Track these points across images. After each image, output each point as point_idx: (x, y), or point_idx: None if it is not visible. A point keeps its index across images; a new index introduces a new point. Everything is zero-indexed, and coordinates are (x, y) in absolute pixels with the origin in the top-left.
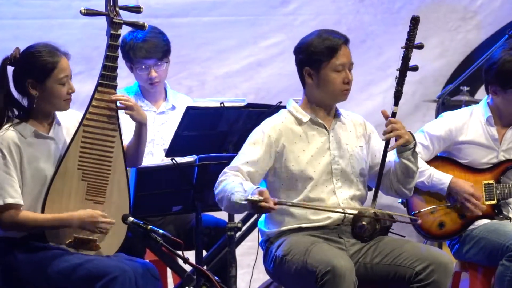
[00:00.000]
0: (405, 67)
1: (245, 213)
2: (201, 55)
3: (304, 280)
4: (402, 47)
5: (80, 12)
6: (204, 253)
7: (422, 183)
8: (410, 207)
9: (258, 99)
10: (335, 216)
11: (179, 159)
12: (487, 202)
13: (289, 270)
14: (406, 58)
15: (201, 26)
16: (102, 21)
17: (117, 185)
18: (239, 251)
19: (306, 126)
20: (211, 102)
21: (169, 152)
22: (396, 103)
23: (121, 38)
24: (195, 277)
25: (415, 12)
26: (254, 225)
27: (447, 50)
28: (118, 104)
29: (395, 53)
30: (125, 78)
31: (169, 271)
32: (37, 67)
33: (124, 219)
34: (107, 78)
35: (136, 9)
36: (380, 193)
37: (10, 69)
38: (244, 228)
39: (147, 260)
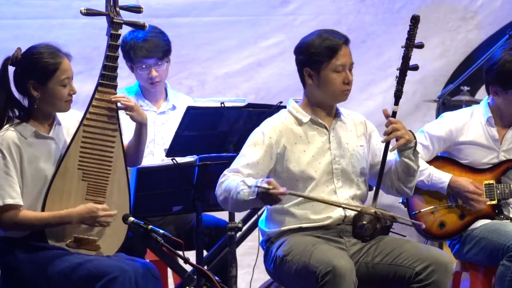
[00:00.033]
0: (406, 67)
1: (246, 213)
2: (202, 55)
3: (305, 280)
4: (402, 46)
5: (80, 12)
6: (205, 253)
7: (422, 182)
8: (410, 207)
9: (258, 99)
10: (335, 216)
11: (180, 159)
12: (488, 202)
13: (290, 270)
14: (406, 57)
15: (202, 26)
16: (102, 21)
17: (117, 185)
18: (240, 251)
19: (306, 126)
20: (212, 102)
21: (170, 152)
22: (396, 103)
23: (121, 37)
24: (195, 277)
25: (416, 12)
26: (254, 225)
27: (447, 50)
28: (119, 104)
29: (395, 53)
30: (126, 78)
31: (169, 271)
32: (39, 69)
33: (125, 219)
34: (107, 78)
35: (137, 9)
36: (380, 192)
37: (11, 69)
38: (244, 228)
39: (148, 260)
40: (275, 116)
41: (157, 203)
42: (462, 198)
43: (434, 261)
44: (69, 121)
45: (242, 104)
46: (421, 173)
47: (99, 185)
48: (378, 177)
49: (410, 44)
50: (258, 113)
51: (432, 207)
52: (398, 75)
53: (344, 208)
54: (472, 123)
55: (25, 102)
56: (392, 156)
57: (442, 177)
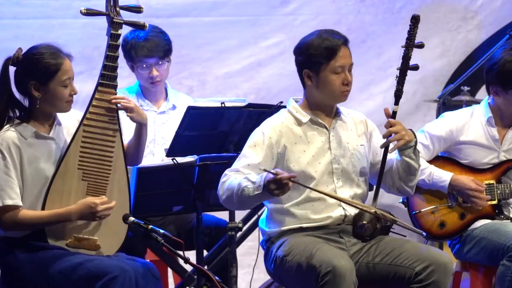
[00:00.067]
0: (406, 66)
1: (246, 213)
2: (202, 55)
3: (305, 280)
4: (402, 46)
5: (81, 12)
6: (205, 253)
7: (423, 181)
8: (411, 207)
9: (258, 99)
10: (335, 215)
11: (180, 159)
12: (488, 202)
13: (290, 270)
14: (406, 57)
15: (202, 26)
16: (102, 21)
17: (117, 185)
18: (240, 251)
19: (306, 126)
20: (212, 102)
21: (170, 152)
22: (396, 102)
23: (122, 37)
24: (195, 277)
25: (416, 12)
26: (254, 225)
27: (447, 50)
28: (118, 105)
29: (395, 53)
30: (126, 78)
31: (169, 271)
32: (40, 69)
33: (125, 219)
34: (108, 78)
35: (137, 9)
36: (380, 192)
37: (11, 69)
38: (245, 228)
39: (148, 260)
40: (275, 116)
41: (158, 203)
42: (464, 196)
43: (434, 261)
44: (69, 120)
45: (243, 104)
46: (422, 172)
47: (99, 184)
48: (378, 177)
49: (410, 44)
50: (258, 113)
51: (433, 207)
52: (398, 75)
53: (348, 203)
54: (472, 123)
55: (26, 102)
56: (393, 155)
57: (443, 176)
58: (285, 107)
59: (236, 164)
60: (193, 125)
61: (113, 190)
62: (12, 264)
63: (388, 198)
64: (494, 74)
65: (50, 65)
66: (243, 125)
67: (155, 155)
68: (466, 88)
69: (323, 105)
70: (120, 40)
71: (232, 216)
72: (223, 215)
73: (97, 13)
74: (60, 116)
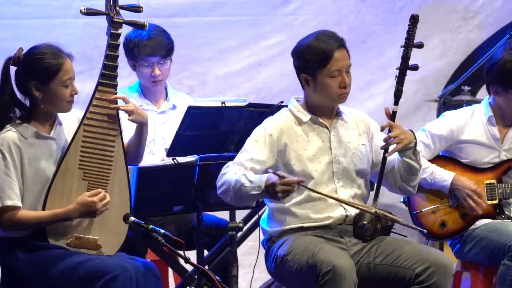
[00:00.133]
0: (405, 66)
1: (247, 212)
2: (202, 55)
3: (305, 280)
4: (401, 46)
5: (81, 11)
6: (206, 252)
7: (425, 180)
8: (412, 207)
9: (259, 99)
10: (336, 215)
11: (181, 159)
12: (489, 202)
13: (290, 269)
14: (405, 57)
15: (202, 26)
16: (102, 21)
17: (118, 184)
18: (240, 250)
19: (307, 126)
20: (213, 101)
21: (170, 152)
22: (396, 102)
23: (124, 36)
24: (196, 276)
25: (416, 12)
26: (255, 225)
27: (448, 50)
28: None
29: (396, 53)
30: (126, 78)
31: (170, 271)
32: (41, 69)
33: (125, 219)
34: (108, 77)
35: (137, 9)
36: (381, 192)
37: (12, 68)
38: (245, 228)
39: (149, 260)
40: (277, 114)
41: (158, 203)
42: (461, 196)
43: (434, 262)
44: (70, 120)
45: (243, 104)
46: (424, 171)
47: (99, 184)
48: (378, 179)
49: (409, 43)
50: (259, 112)
51: (434, 206)
52: (397, 75)
53: (351, 205)
54: (473, 122)
55: (27, 102)
56: (395, 155)
57: (445, 175)
58: (285, 106)
59: (238, 158)
60: (193, 125)
61: (114, 190)
62: (12, 264)
63: (389, 198)
64: (495, 73)
65: (51, 65)
66: (244, 125)
67: (155, 154)
68: (466, 88)
69: (322, 106)
70: (120, 40)
71: (232, 216)
72: (224, 215)
73: (97, 13)
74: (60, 115)
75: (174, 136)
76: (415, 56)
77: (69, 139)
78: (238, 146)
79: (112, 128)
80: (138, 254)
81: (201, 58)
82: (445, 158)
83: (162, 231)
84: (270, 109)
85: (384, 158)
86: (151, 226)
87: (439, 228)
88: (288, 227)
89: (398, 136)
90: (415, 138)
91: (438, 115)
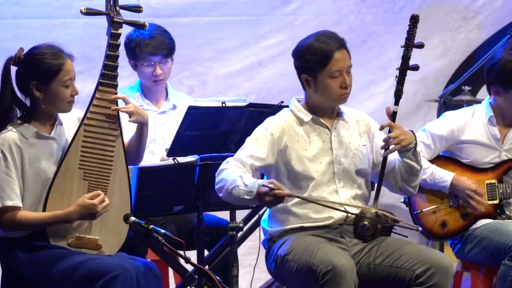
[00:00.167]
0: (405, 66)
1: (247, 212)
2: (202, 55)
3: (305, 280)
4: (401, 46)
5: (81, 11)
6: (206, 252)
7: (425, 181)
8: (412, 207)
9: (259, 99)
10: (337, 216)
11: (181, 159)
12: (490, 202)
13: (291, 269)
14: (406, 57)
15: (202, 26)
16: (103, 21)
17: (118, 184)
18: (241, 250)
19: (308, 126)
20: (213, 101)
21: (171, 152)
22: (396, 103)
23: (126, 35)
24: (196, 276)
25: (416, 12)
26: (255, 225)
27: (448, 50)
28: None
29: (396, 52)
30: (127, 78)
31: (170, 270)
32: (42, 70)
33: (126, 218)
34: (108, 77)
35: (136, 9)
36: (382, 192)
37: (13, 68)
38: (245, 227)
39: (149, 260)
40: (279, 114)
41: (158, 203)
42: (463, 196)
43: (435, 264)
44: (70, 120)
45: (243, 104)
46: (424, 172)
47: (100, 184)
48: (378, 179)
49: (410, 43)
50: (259, 112)
51: (434, 206)
52: (398, 75)
53: (346, 212)
54: (473, 122)
55: (27, 102)
56: (395, 155)
57: (445, 175)
58: (286, 106)
59: (238, 154)
60: (194, 125)
61: (114, 190)
62: (13, 264)
63: (389, 198)
64: (495, 73)
65: (51, 65)
66: (244, 124)
67: (155, 154)
68: (467, 88)
69: (323, 107)
70: (121, 40)
71: (233, 216)
72: (224, 215)
73: (97, 13)
74: (61, 115)
75: (175, 136)
76: (415, 56)
77: (69, 139)
78: (238, 146)
79: (113, 128)
80: (139, 254)
81: (201, 58)
82: (445, 158)
83: (162, 231)
84: (270, 109)
85: (385, 159)
86: (152, 226)
87: (440, 228)
88: (289, 227)
89: (398, 136)
90: (416, 139)
91: (438, 115)
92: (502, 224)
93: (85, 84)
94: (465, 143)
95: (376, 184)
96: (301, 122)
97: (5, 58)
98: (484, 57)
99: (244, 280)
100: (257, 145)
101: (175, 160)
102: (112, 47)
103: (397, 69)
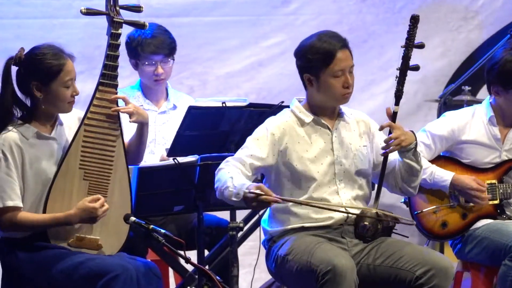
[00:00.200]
0: (405, 66)
1: (247, 212)
2: (203, 55)
3: (306, 280)
4: (402, 46)
5: (81, 11)
6: (206, 252)
7: (424, 181)
8: (412, 207)
9: (259, 99)
10: (337, 216)
11: (181, 159)
12: (490, 202)
13: (291, 269)
14: (406, 57)
15: (203, 26)
16: (103, 21)
17: (118, 184)
18: (241, 250)
19: (309, 127)
20: (213, 101)
21: (171, 152)
22: (397, 103)
23: (127, 35)
24: (196, 276)
25: (417, 12)
26: (256, 225)
27: (448, 50)
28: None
29: (396, 52)
30: (127, 78)
31: (170, 270)
32: (42, 70)
33: (126, 218)
34: (108, 77)
35: (136, 9)
36: (382, 192)
37: (13, 68)
38: (246, 227)
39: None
40: (279, 114)
41: (159, 203)
42: (465, 196)
43: (435, 265)
44: (71, 120)
45: (244, 104)
46: (424, 171)
47: (100, 184)
48: (379, 180)
49: (410, 44)
50: (259, 112)
51: (434, 206)
52: (398, 75)
53: (343, 212)
54: (474, 122)
55: (28, 102)
56: (396, 155)
57: (444, 175)
58: (286, 106)
59: (239, 153)
60: (194, 125)
61: (115, 190)
62: (13, 264)
63: (389, 198)
64: (495, 73)
65: (52, 65)
66: (244, 125)
67: (155, 154)
68: (467, 88)
69: (325, 107)
70: (121, 40)
71: (233, 216)
72: (224, 215)
73: (97, 13)
74: (61, 115)
75: (175, 136)
76: (416, 56)
77: (70, 139)
78: (238, 146)
79: (113, 128)
80: (139, 254)
81: (201, 58)
82: (445, 159)
83: (162, 231)
84: (270, 109)
85: (385, 158)
86: (152, 226)
87: (440, 228)
88: (289, 227)
89: (398, 137)
90: (416, 139)
91: (438, 115)
92: (502, 224)
93: (85, 84)
94: (466, 143)
95: (376, 185)
96: (302, 123)
97: (6, 58)
98: (484, 57)
99: (244, 280)
100: (258, 145)
101: (175, 160)
102: (112, 47)
103: (397, 69)
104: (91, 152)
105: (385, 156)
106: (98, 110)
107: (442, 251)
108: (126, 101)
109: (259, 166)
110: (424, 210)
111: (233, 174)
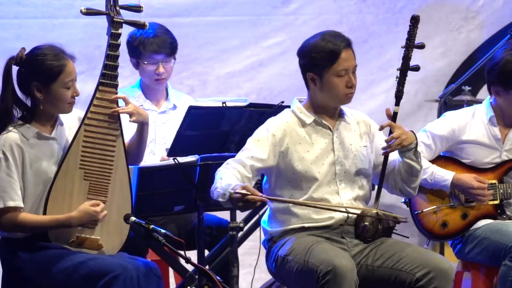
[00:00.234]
0: (406, 67)
1: (247, 212)
2: (203, 55)
3: (306, 280)
4: (402, 47)
5: (81, 11)
6: (206, 252)
7: (425, 181)
8: (413, 207)
9: (260, 99)
10: (338, 216)
11: (181, 159)
12: (490, 202)
13: (291, 269)
14: (406, 58)
15: (203, 26)
16: (103, 21)
17: (119, 184)
18: (241, 250)
19: (310, 127)
20: (213, 101)
21: (171, 152)
22: (397, 103)
23: (128, 34)
24: (197, 276)
25: (417, 12)
26: (256, 225)
27: (449, 50)
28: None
29: (397, 53)
30: (127, 78)
31: (171, 270)
32: (43, 71)
33: (126, 218)
34: (108, 77)
35: (137, 9)
36: (383, 192)
37: (14, 68)
38: (246, 227)
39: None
40: (280, 115)
41: (159, 203)
42: (467, 195)
43: (435, 267)
44: (71, 120)
45: (244, 104)
46: (424, 172)
47: (101, 184)
48: (379, 180)
49: (410, 44)
50: (259, 113)
51: (435, 206)
52: (398, 76)
53: (340, 211)
54: (474, 122)
55: (28, 102)
56: (396, 155)
57: (445, 175)
58: (286, 106)
59: (239, 155)
60: (194, 124)
61: (115, 189)
62: (14, 264)
63: (390, 198)
64: (495, 74)
65: (53, 66)
66: (244, 125)
67: (155, 154)
68: (467, 88)
69: (327, 107)
70: (121, 40)
71: (233, 216)
72: (224, 215)
73: (97, 13)
74: (62, 115)
75: (175, 136)
76: (416, 56)
77: (70, 139)
78: (238, 146)
79: (113, 128)
80: (139, 254)
81: (202, 58)
82: (446, 159)
83: (163, 231)
84: (271, 109)
85: (386, 158)
86: (152, 226)
87: (440, 229)
88: (289, 227)
89: (399, 136)
90: (416, 139)
91: (439, 115)
92: (502, 224)
93: (85, 84)
94: (466, 143)
95: (376, 185)
96: (303, 123)
97: (6, 58)
98: (485, 57)
99: (244, 280)
100: (258, 146)
101: (175, 160)
102: (113, 47)
103: (397, 69)
104: (91, 152)
105: (386, 155)
106: (98, 110)
107: (442, 251)
108: (126, 101)
109: (260, 168)
110: (424, 210)
111: (224, 175)
